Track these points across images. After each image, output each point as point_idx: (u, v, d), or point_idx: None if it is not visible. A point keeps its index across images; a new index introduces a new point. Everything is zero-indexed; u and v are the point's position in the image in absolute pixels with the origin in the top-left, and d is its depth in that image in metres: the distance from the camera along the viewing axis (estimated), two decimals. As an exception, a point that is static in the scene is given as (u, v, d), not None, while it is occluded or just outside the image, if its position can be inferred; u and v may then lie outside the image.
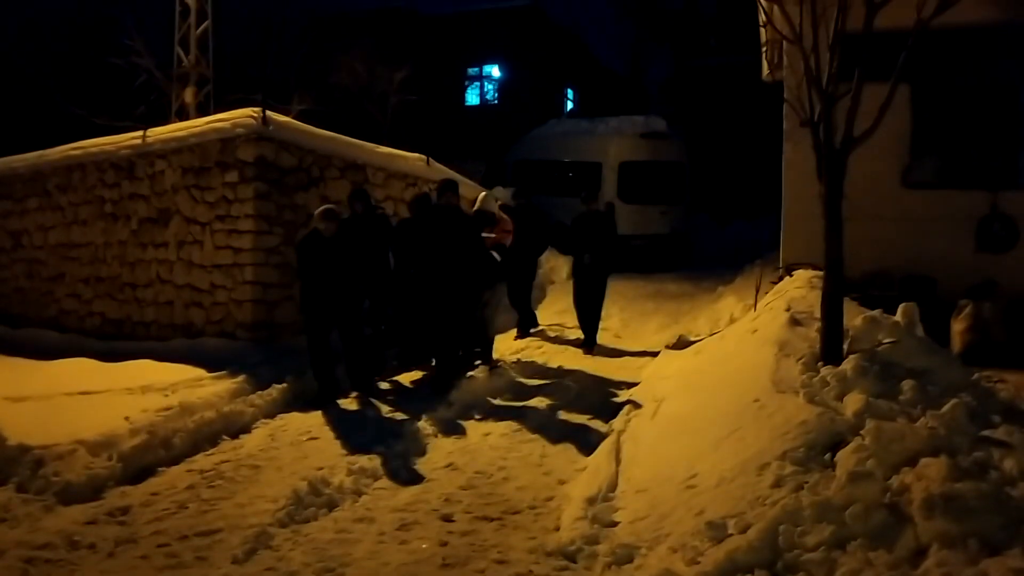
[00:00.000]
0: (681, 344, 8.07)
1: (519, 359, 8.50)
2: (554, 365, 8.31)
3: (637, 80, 27.86)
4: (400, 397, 7.40)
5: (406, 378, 8.00)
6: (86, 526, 4.47)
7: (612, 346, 9.40)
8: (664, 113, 18.49)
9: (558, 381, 7.61)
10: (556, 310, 11.21)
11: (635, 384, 7.26)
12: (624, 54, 28.85)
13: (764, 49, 9.62)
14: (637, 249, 14.65)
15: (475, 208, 8.27)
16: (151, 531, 4.45)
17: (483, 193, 8.14)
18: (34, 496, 4.78)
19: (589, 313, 9.10)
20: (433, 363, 7.84)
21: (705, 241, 17.47)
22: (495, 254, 7.89)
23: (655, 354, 8.32)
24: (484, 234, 7.86)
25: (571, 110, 25.72)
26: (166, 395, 6.67)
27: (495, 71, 24.25)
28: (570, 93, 26.71)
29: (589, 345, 9.03)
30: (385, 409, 6.99)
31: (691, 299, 11.87)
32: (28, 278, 10.80)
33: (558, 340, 9.67)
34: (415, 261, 7.73)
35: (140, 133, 9.57)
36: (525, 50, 23.34)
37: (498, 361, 8.05)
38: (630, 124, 16.30)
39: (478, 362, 7.85)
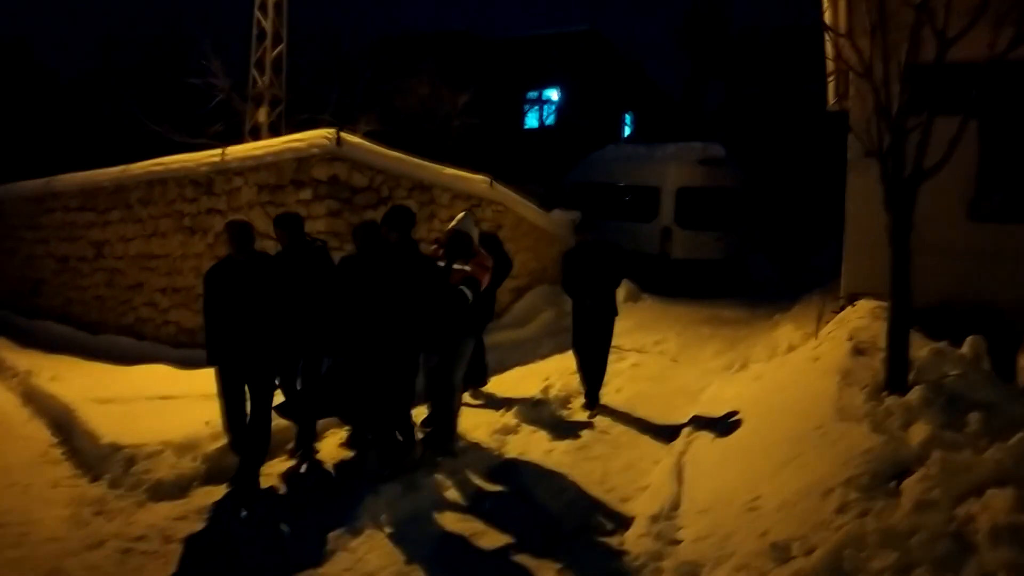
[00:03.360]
0: None
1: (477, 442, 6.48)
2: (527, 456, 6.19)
3: (692, 106, 27.94)
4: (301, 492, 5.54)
5: (331, 454, 6.19)
6: (176, 521, 4.75)
7: (624, 407, 7.57)
8: (718, 139, 18.56)
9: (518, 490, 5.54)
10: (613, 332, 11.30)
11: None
12: (680, 80, 29.01)
13: (830, 79, 9.66)
14: (693, 274, 14.74)
15: (450, 227, 6.11)
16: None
17: (462, 213, 6.23)
18: (126, 492, 5.09)
19: (591, 364, 7.58)
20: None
21: (760, 268, 17.43)
22: (466, 291, 5.81)
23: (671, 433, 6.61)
24: (456, 266, 5.90)
25: (629, 134, 25.89)
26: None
27: (554, 95, 24.56)
28: (627, 117, 26.89)
29: (591, 404, 7.52)
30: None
31: (747, 325, 11.88)
32: (108, 287, 11.31)
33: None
34: (353, 307, 5.73)
35: (219, 151, 9.99)
36: (583, 74, 23.62)
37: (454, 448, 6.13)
38: (689, 150, 16.39)
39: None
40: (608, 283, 7.59)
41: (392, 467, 5.54)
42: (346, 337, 5.74)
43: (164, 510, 4.90)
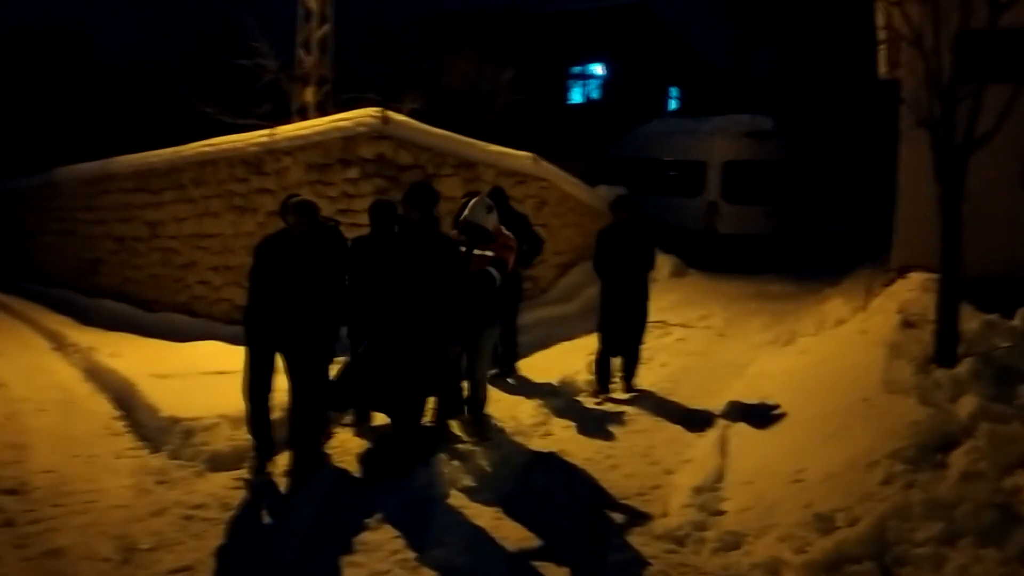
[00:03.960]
0: None
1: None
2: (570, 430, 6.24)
3: (740, 77, 27.46)
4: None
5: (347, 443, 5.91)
6: (233, 490, 4.93)
7: (668, 381, 7.55)
8: (767, 111, 18.24)
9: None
10: (658, 306, 11.28)
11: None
12: (726, 50, 28.48)
13: (881, 47, 9.46)
14: (740, 249, 14.61)
15: (462, 217, 5.76)
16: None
17: (474, 200, 5.80)
18: (186, 462, 5.30)
19: (622, 349, 7.15)
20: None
21: (809, 242, 17.17)
22: (494, 271, 5.60)
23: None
24: (476, 252, 5.64)
25: (674, 108, 25.60)
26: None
27: (598, 69, 24.36)
28: (673, 91, 26.58)
29: (628, 390, 7.22)
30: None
31: (795, 300, 11.74)
32: (163, 266, 11.62)
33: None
34: (370, 292, 5.52)
35: (268, 131, 10.16)
36: (628, 48, 23.38)
37: (487, 426, 5.97)
38: (735, 123, 16.16)
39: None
40: (642, 265, 7.15)
41: (411, 458, 5.25)
42: (366, 322, 5.50)
43: (222, 480, 5.09)
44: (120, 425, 6.26)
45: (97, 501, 4.78)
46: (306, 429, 5.31)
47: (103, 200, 12.91)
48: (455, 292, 5.25)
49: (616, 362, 7.23)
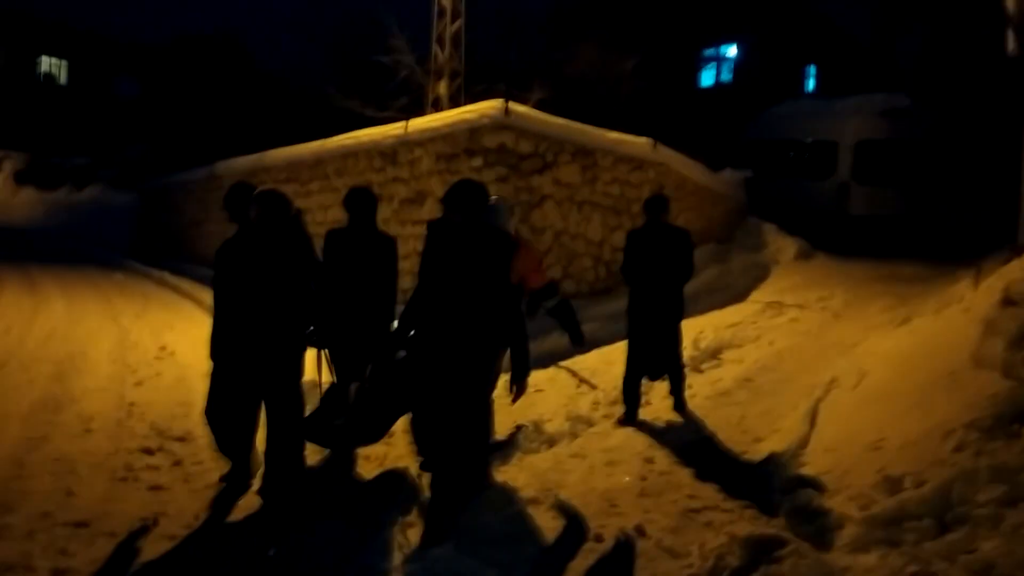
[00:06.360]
0: None
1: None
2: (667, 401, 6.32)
3: (884, 55, 26.30)
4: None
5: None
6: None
7: (773, 359, 7.53)
8: (914, 90, 17.59)
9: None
10: (778, 288, 11.37)
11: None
12: (870, 24, 27.30)
13: (1010, 23, 9.18)
14: (872, 231, 14.33)
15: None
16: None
17: (494, 198, 4.79)
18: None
19: (654, 369, 6.33)
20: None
21: (952, 224, 16.48)
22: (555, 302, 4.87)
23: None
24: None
25: (812, 88, 24.91)
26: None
27: (731, 51, 24.06)
28: (811, 70, 25.83)
29: (679, 407, 6.40)
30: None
31: (924, 282, 11.48)
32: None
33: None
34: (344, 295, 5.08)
35: (402, 124, 10.98)
36: (763, 27, 22.96)
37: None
38: (870, 102, 15.77)
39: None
40: (676, 274, 6.25)
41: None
42: (338, 332, 4.99)
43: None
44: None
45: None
46: (283, 461, 4.68)
47: (259, 190, 14.19)
48: (509, 305, 4.50)
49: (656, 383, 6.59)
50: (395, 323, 4.82)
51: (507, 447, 5.49)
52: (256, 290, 4.50)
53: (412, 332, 4.54)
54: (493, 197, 4.76)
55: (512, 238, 4.60)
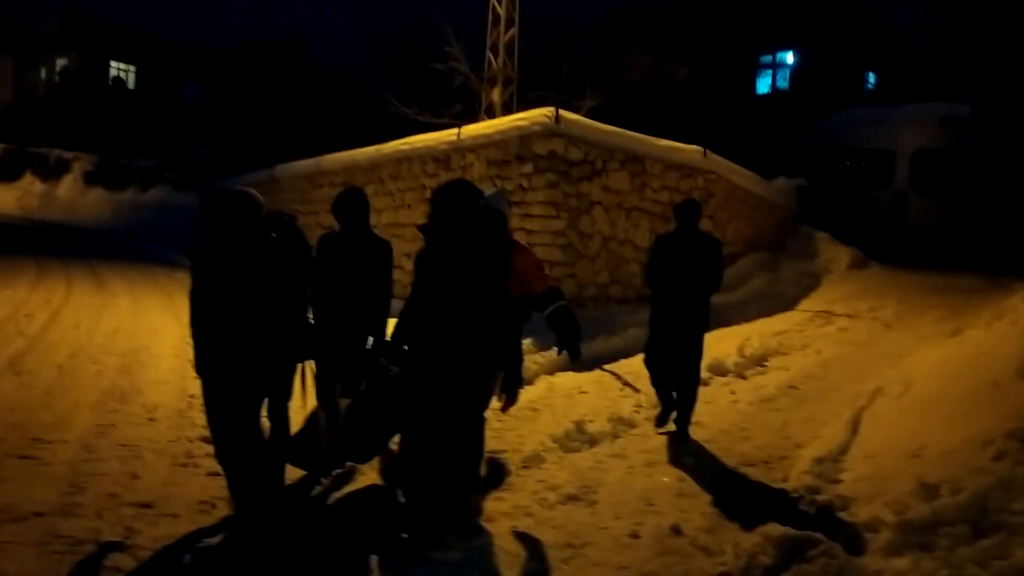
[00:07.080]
0: None
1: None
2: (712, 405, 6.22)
3: (949, 62, 25.79)
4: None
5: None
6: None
7: (819, 367, 7.47)
8: (981, 98, 17.25)
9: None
10: (829, 297, 11.32)
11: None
12: (933, 32, 26.80)
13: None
14: (929, 241, 14.13)
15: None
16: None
17: (493, 190, 4.70)
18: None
19: (674, 384, 5.98)
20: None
21: (1012, 234, 16.11)
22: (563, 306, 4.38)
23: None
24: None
25: (870, 95, 24.54)
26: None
27: (788, 58, 23.82)
28: (870, 77, 25.46)
29: (680, 438, 5.87)
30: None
31: (981, 294, 11.31)
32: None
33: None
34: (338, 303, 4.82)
35: (455, 131, 11.23)
36: (821, 34, 22.70)
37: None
38: (929, 110, 15.59)
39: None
40: (703, 283, 5.88)
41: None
42: (335, 342, 4.74)
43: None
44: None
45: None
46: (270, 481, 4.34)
47: (316, 193, 14.63)
48: (506, 308, 4.21)
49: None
50: (389, 334, 4.51)
51: (496, 476, 5.13)
52: (239, 296, 4.09)
53: (406, 346, 4.26)
54: (492, 189, 4.65)
55: (508, 238, 4.32)
